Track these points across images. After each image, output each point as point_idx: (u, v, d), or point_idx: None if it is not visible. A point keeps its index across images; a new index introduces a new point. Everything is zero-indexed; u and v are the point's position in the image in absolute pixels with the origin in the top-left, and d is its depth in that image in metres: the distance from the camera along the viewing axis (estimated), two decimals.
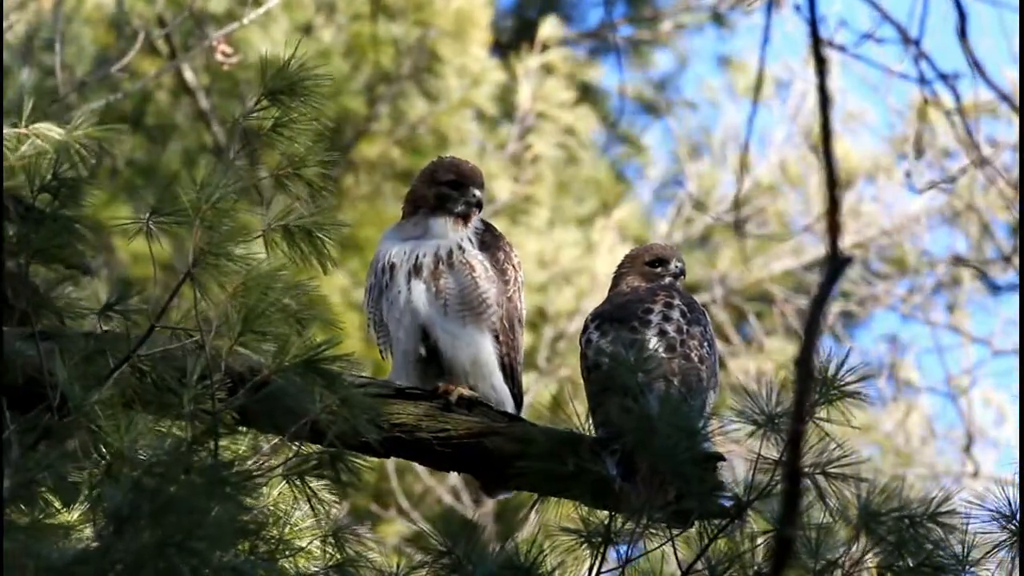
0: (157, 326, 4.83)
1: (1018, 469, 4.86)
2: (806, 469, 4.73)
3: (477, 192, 5.49)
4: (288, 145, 4.99)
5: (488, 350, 5.42)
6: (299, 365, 4.74)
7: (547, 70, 13.88)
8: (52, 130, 5.45)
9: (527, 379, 12.26)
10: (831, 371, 4.79)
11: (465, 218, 5.50)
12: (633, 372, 4.92)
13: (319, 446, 4.90)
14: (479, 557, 4.80)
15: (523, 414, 5.51)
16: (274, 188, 5.02)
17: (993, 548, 4.85)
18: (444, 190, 5.49)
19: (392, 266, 5.41)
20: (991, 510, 4.87)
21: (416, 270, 5.39)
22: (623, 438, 4.91)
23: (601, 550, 4.85)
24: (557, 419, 5.10)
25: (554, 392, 12.87)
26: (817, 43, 3.61)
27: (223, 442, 4.77)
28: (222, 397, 4.76)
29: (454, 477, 12.37)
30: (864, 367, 4.84)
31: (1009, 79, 12.66)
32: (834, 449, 4.77)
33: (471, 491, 12.74)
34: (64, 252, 4.83)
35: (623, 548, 4.90)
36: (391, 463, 11.74)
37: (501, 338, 5.44)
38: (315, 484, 4.94)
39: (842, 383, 4.78)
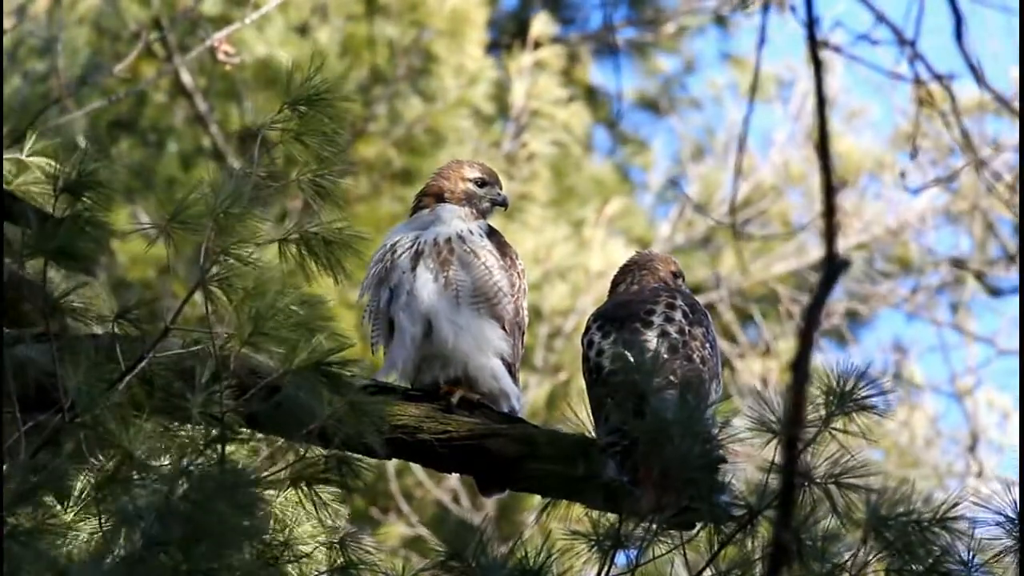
0: (171, 328, 4.86)
1: (1019, 470, 4.83)
2: (819, 479, 4.73)
3: (501, 191, 5.65)
4: (306, 153, 5.05)
5: (491, 336, 5.40)
6: (309, 368, 4.76)
7: (540, 67, 13.86)
8: (51, 164, 5.49)
9: (523, 378, 12.22)
10: (848, 384, 4.79)
11: (483, 214, 5.60)
12: (647, 375, 4.90)
13: (321, 449, 4.90)
14: (487, 561, 4.78)
15: (518, 414, 5.47)
16: (288, 197, 5.08)
17: (997, 554, 4.82)
18: (471, 187, 5.60)
19: (394, 252, 5.45)
20: (998, 514, 4.85)
21: (418, 255, 5.42)
22: (634, 442, 4.88)
23: (610, 554, 4.83)
24: (554, 419, 5.11)
25: (550, 391, 12.86)
26: (814, 45, 3.58)
27: (229, 448, 4.77)
28: (231, 403, 4.78)
29: (452, 478, 12.33)
30: (882, 379, 4.84)
31: (1012, 79, 12.64)
32: (847, 460, 4.77)
33: (470, 492, 12.71)
34: (83, 251, 4.86)
35: (627, 552, 4.88)
36: (390, 465, 11.70)
37: (507, 328, 5.43)
38: (320, 489, 4.96)
39: (859, 397, 4.78)
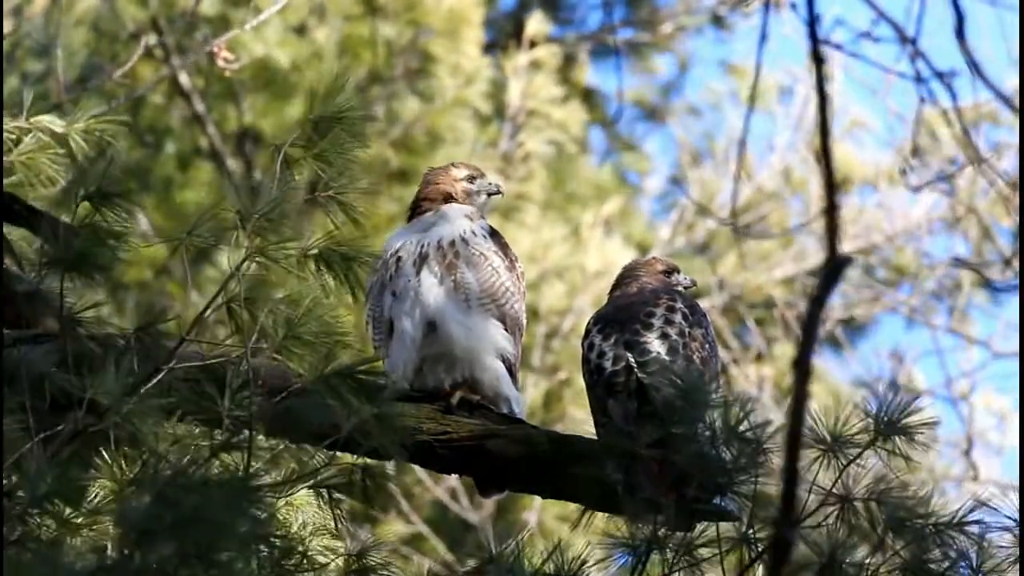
0: (187, 339, 4.85)
1: (1019, 472, 4.83)
2: (857, 496, 4.77)
3: (492, 181, 5.69)
4: (330, 170, 5.07)
5: (495, 336, 5.39)
6: (340, 375, 4.76)
7: (536, 66, 13.87)
8: (54, 123, 5.48)
9: (520, 378, 12.18)
10: (894, 415, 4.83)
11: (482, 208, 5.63)
12: (694, 392, 4.90)
13: (326, 450, 4.91)
14: (520, 569, 4.79)
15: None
16: (309, 212, 5.08)
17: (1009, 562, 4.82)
18: (467, 185, 5.62)
19: (399, 259, 5.43)
20: (1009, 518, 4.86)
21: (423, 259, 5.40)
22: (678, 457, 4.89)
23: (643, 560, 4.83)
24: (551, 419, 5.11)
25: (547, 391, 12.85)
26: (815, 41, 3.58)
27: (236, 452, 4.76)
28: (260, 406, 4.77)
29: (451, 476, 12.29)
30: (929, 416, 4.87)
31: (1010, 85, 12.65)
32: (891, 481, 4.81)
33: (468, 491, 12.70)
34: (102, 261, 4.87)
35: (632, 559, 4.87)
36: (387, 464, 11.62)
37: (507, 328, 5.41)
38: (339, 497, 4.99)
39: (905, 426, 4.83)
